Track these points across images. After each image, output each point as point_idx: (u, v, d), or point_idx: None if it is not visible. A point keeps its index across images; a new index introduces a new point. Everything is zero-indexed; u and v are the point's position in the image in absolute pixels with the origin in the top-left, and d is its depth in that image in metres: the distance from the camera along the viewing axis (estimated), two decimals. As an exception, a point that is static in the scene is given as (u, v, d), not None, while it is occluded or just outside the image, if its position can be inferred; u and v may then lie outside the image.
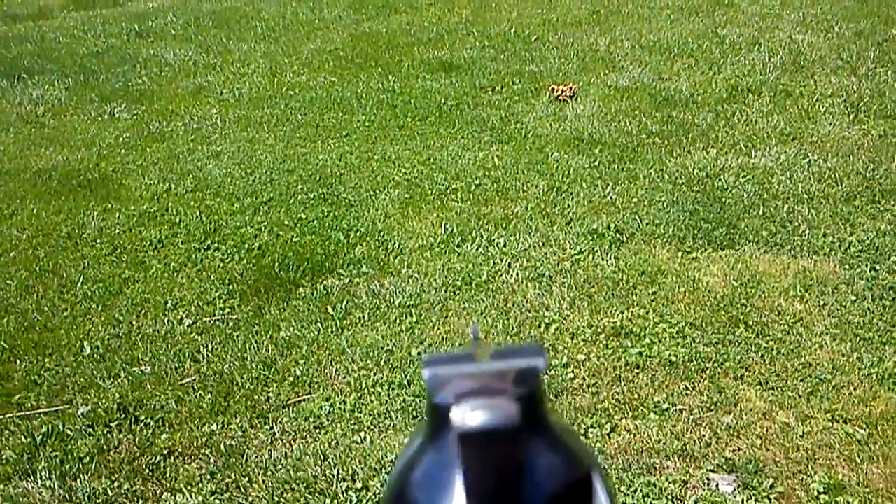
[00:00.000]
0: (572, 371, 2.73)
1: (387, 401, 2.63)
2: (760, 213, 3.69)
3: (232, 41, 6.68)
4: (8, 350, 3.01)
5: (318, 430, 2.52)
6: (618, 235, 3.55)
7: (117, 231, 3.76)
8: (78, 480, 2.38)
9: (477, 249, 3.50)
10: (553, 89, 5.20)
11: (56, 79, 5.98)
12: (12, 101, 5.60)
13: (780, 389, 2.61)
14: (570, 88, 5.20)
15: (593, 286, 3.21)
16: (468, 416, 0.35)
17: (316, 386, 2.72)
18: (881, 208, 3.70)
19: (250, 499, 2.26)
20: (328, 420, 2.56)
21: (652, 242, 3.50)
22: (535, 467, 0.36)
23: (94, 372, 2.84)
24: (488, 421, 0.35)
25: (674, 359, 2.78)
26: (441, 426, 0.37)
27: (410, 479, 0.38)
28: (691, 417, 2.51)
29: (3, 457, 2.51)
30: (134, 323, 3.10)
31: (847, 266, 3.28)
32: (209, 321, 3.09)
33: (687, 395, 2.62)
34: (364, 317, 3.09)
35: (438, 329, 3.00)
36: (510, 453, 0.36)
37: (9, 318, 3.19)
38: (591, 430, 2.48)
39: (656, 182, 4.02)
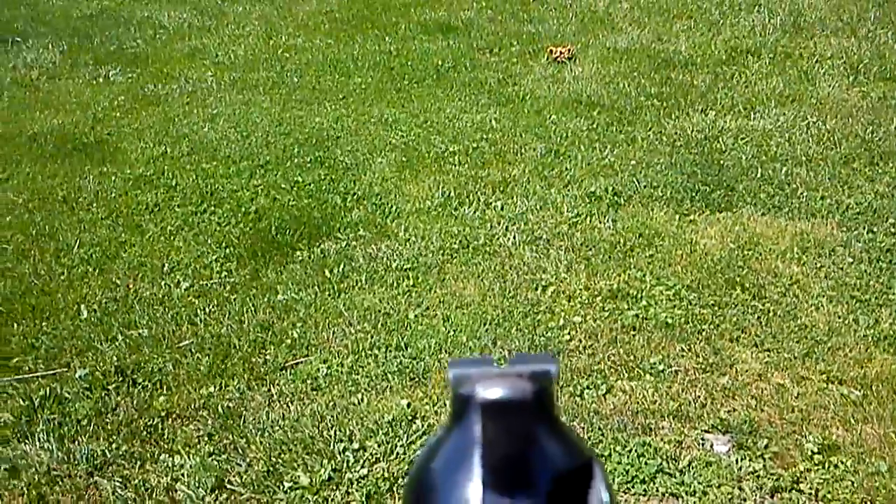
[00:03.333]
0: (569, 333, 2.74)
1: (384, 363, 2.64)
2: (758, 175, 3.68)
3: (227, 3, 6.61)
4: (5, 314, 3.01)
5: (315, 392, 2.53)
6: (615, 198, 3.54)
7: (113, 195, 3.75)
8: (76, 443, 2.40)
9: (474, 213, 3.49)
10: (551, 51, 5.15)
11: (50, 42, 5.92)
12: (6, 65, 5.55)
13: (775, 351, 2.62)
14: (569, 50, 5.15)
15: (590, 249, 3.20)
16: (488, 391, 0.39)
17: (313, 348, 2.73)
18: (879, 171, 3.69)
19: (248, 459, 2.27)
20: (325, 382, 2.57)
21: (650, 205, 3.49)
22: (545, 443, 0.40)
23: (92, 335, 2.84)
24: (506, 393, 0.39)
25: (670, 321, 2.78)
26: (463, 412, 0.40)
27: (433, 457, 0.42)
28: (687, 379, 2.52)
29: (2, 420, 2.51)
30: (131, 286, 3.10)
31: (844, 228, 3.27)
32: (206, 284, 3.09)
33: (683, 356, 2.63)
34: (361, 280, 3.09)
35: (436, 292, 3.00)
36: (524, 424, 0.39)
37: (6, 283, 3.19)
38: (587, 391, 2.49)
39: (654, 144, 4.00)
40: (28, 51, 5.78)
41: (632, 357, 2.63)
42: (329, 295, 3.01)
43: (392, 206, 3.57)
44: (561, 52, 5.11)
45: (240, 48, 5.55)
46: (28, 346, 2.84)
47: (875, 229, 3.25)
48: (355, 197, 3.66)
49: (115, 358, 2.72)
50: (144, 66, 5.32)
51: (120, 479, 2.25)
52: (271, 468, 2.24)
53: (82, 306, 3.01)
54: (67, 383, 2.63)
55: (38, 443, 2.40)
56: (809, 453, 2.20)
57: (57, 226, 3.54)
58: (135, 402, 2.53)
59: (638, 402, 2.43)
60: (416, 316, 2.87)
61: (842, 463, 2.17)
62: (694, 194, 3.55)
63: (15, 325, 2.95)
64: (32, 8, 6.91)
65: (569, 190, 3.63)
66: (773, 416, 2.35)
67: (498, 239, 3.30)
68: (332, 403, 2.47)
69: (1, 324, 2.96)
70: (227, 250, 3.28)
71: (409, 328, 2.80)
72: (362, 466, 2.24)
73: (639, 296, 2.92)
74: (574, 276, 3.05)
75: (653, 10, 5.96)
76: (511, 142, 4.08)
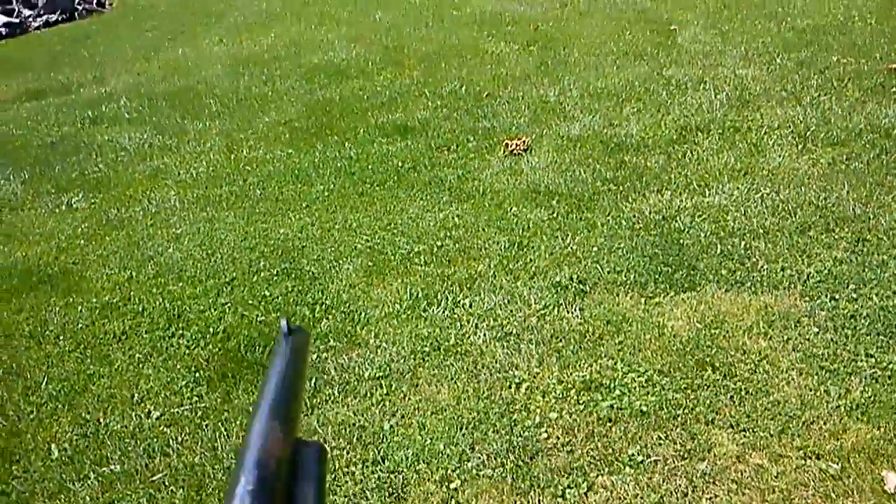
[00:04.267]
0: (545, 430, 2.73)
1: (361, 480, 2.60)
2: (718, 251, 3.75)
3: (187, 120, 6.71)
4: (-27, 460, 2.95)
5: (293, 517, 2.48)
6: (581, 286, 3.58)
7: (80, 325, 3.72)
8: (50, 593, 2.32)
9: (443, 312, 3.51)
10: (507, 144, 5.27)
11: (11, 173, 5.95)
12: (-32, 199, 5.56)
13: (751, 431, 2.62)
14: (524, 141, 5.27)
15: (560, 340, 3.22)
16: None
17: (289, 470, 2.69)
18: (835, 237, 3.77)
19: None
20: (304, 505, 2.52)
21: (615, 291, 3.53)
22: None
23: (63, 476, 2.79)
24: None
25: (645, 408, 2.78)
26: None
27: None
28: (666, 468, 2.51)
29: (-27, 574, 2.44)
30: (101, 420, 3.06)
31: (807, 298, 3.32)
32: (177, 412, 3.05)
33: (660, 445, 2.62)
34: (334, 393, 3.07)
35: (409, 399, 2.98)
36: None
37: (-27, 426, 3.13)
38: (568, 490, 2.47)
39: (614, 229, 4.07)
40: (-10, 183, 5.81)
41: (610, 450, 2.62)
42: (303, 413, 2.98)
43: (361, 313, 3.58)
44: (516, 145, 5.22)
45: (202, 165, 5.61)
46: (-2, 493, 2.78)
47: (837, 296, 3.30)
48: (323, 307, 3.66)
49: (88, 498, 2.66)
50: (107, 191, 5.35)
51: None
52: None
53: (53, 445, 2.95)
54: (39, 530, 2.56)
55: None
56: (795, 536, 2.18)
57: (24, 362, 3.50)
58: (109, 544, 2.47)
59: (620, 498, 2.41)
60: (391, 426, 2.85)
61: (828, 543, 2.15)
62: (657, 276, 3.60)
63: (-17, 470, 2.89)
64: (-8, 138, 6.97)
65: (534, 282, 3.66)
66: (755, 499, 2.34)
67: (468, 337, 3.31)
68: (311, 527, 2.42)
69: (-31, 471, 2.90)
70: (197, 374, 3.26)
71: (384, 440, 2.78)
72: (346, 592, 2.18)
73: (612, 385, 2.92)
74: (546, 369, 3.05)
75: (602, 95, 6.14)
76: (475, 237, 4.13)
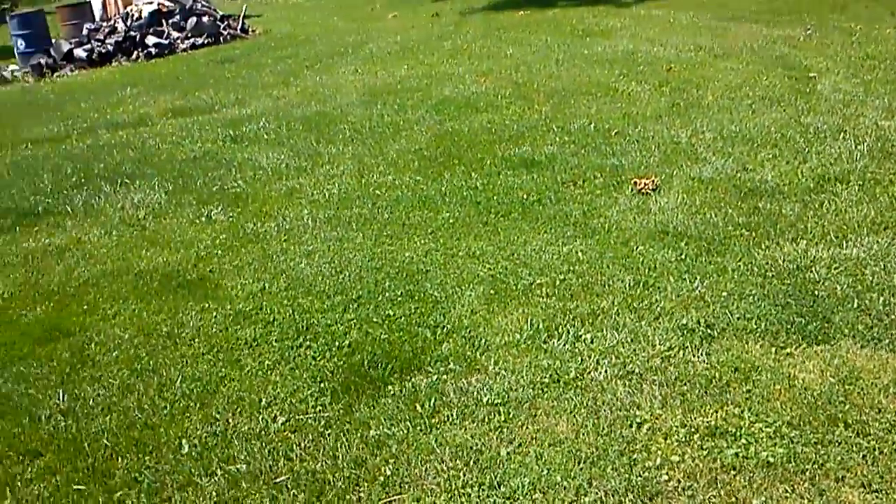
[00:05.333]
0: (667, 473, 2.68)
1: (477, 503, 2.62)
2: (855, 305, 3.60)
3: (322, 144, 6.97)
4: (110, 448, 3.13)
5: (409, 532, 2.52)
6: (708, 331, 3.51)
7: (214, 330, 3.91)
8: (176, 580, 2.43)
9: (564, 346, 3.50)
10: (635, 183, 5.23)
11: (156, 183, 6.32)
12: (115, 206, 5.93)
13: (884, 492, 2.50)
14: (653, 181, 5.22)
15: (685, 384, 3.16)
16: None
17: (406, 486, 2.74)
18: None
19: None
20: (419, 521, 2.56)
21: (744, 338, 3.44)
22: None
23: (192, 470, 2.92)
24: None
25: (772, 460, 2.69)
26: None
27: None
28: (793, 523, 2.42)
29: (105, 554, 2.58)
30: (230, 421, 3.19)
31: (952, 361, 3.15)
32: (302, 419, 3.15)
33: (787, 498, 2.53)
34: (452, 415, 3.10)
35: (527, 428, 2.99)
36: None
37: (111, 416, 3.32)
38: (687, 535, 2.41)
39: (745, 275, 3.97)
40: (135, 192, 6.18)
41: (733, 499, 2.55)
42: (421, 430, 3.03)
43: (481, 339, 3.61)
44: (645, 184, 5.18)
45: (334, 187, 5.81)
46: (131, 480, 2.93)
47: None
48: (444, 330, 3.72)
49: (214, 493, 2.78)
50: (244, 206, 5.61)
51: None
52: None
53: (183, 440, 3.10)
54: (168, 519, 2.69)
55: (138, 579, 2.45)
56: None
57: (160, 361, 3.70)
58: (232, 539, 2.56)
59: (743, 548, 2.34)
60: (508, 453, 2.85)
61: None
62: (789, 326, 3.48)
63: (119, 458, 3.06)
64: (139, 151, 7.42)
65: (660, 322, 3.61)
66: (891, 566, 2.22)
67: (589, 373, 3.29)
68: (426, 544, 2.46)
69: (106, 457, 3.08)
70: (322, 385, 3.36)
71: (501, 466, 2.79)
72: None
73: (738, 433, 2.84)
74: (669, 412, 3.00)
75: (736, 139, 6.03)
76: (598, 273, 4.11)
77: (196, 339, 3.85)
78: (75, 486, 2.92)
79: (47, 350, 3.92)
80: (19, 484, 2.98)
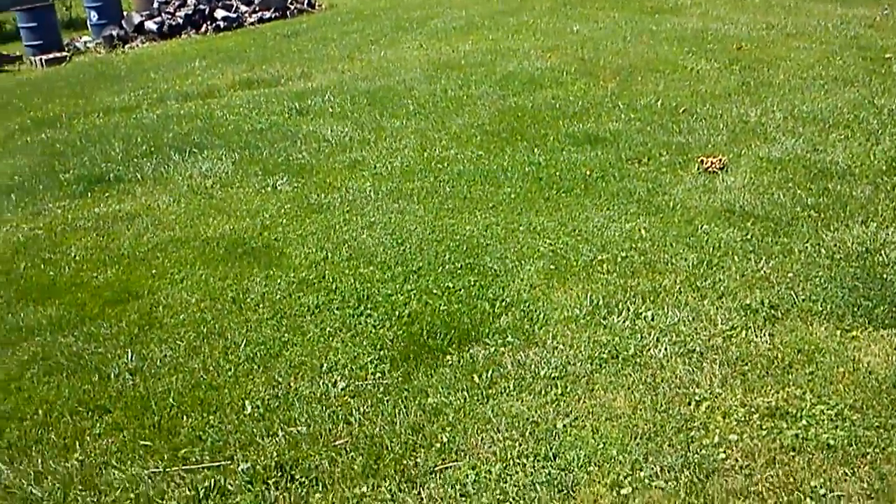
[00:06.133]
0: (724, 451, 2.66)
1: (532, 473, 2.64)
2: (928, 291, 3.50)
3: (385, 118, 7.00)
4: (176, 406, 3.22)
5: (463, 499, 2.56)
6: (772, 311, 3.45)
7: (278, 296, 3.99)
8: (238, 534, 2.51)
9: (623, 322, 3.49)
10: (702, 161, 5.14)
11: (223, 153, 6.44)
12: (183, 174, 6.07)
13: (954, 481, 2.44)
14: (720, 160, 5.13)
15: (746, 364, 3.12)
16: None
17: (462, 453, 2.77)
18: None
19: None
20: (474, 489, 2.59)
21: (809, 320, 3.38)
22: None
23: (254, 430, 3.00)
24: None
25: (832, 442, 2.65)
26: None
27: None
28: (854, 506, 2.38)
29: (170, 507, 2.67)
30: (292, 384, 3.26)
31: None
32: (361, 385, 3.21)
33: (846, 481, 2.49)
34: (509, 386, 3.12)
35: (584, 402, 2.99)
36: None
37: (177, 377, 3.42)
38: (744, 513, 2.39)
39: (812, 257, 3.89)
40: (203, 161, 6.30)
41: (791, 479, 2.52)
42: (477, 400, 3.06)
43: (540, 314, 3.61)
44: (712, 163, 5.09)
45: (396, 160, 5.85)
46: (195, 438, 3.02)
47: None
48: (503, 303, 3.73)
49: (275, 453, 2.85)
50: (309, 177, 5.69)
51: (276, 574, 2.33)
52: (420, 573, 2.26)
53: (246, 402, 3.18)
54: (231, 476, 2.77)
55: (202, 532, 2.53)
56: None
57: (225, 325, 3.79)
58: (292, 497, 2.63)
59: (801, 529, 2.31)
60: (564, 426, 2.86)
61: None
62: (856, 309, 3.41)
63: (184, 417, 3.15)
64: (207, 121, 7.55)
65: (723, 302, 3.56)
66: (955, 554, 2.18)
67: (648, 350, 3.27)
68: (480, 510, 2.49)
69: (172, 416, 3.17)
70: (382, 352, 3.41)
71: (556, 438, 2.80)
72: (510, 577, 2.22)
73: (798, 415, 2.80)
74: (729, 391, 2.97)
75: (807, 119, 5.87)
76: (661, 251, 4.07)
77: (260, 305, 3.93)
78: (142, 442, 3.03)
79: (117, 311, 4.05)
80: (88, 438, 3.09)
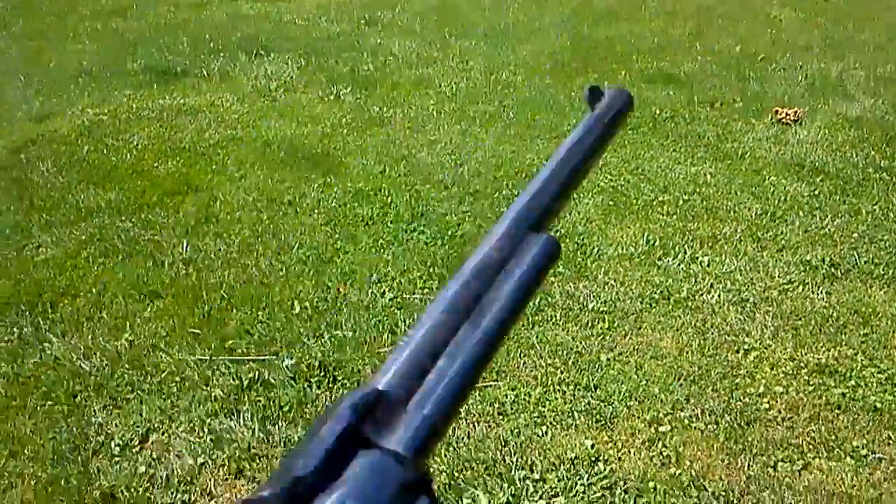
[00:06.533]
0: (768, 402, 2.63)
1: (571, 400, 2.64)
2: None
3: (454, 38, 6.88)
4: (227, 299, 3.28)
5: (501, 417, 2.58)
6: (832, 270, 3.37)
7: (333, 204, 4.00)
8: (277, 426, 2.57)
9: (678, 265, 3.44)
10: (776, 111, 4.98)
11: (289, 58, 6.40)
12: (249, 75, 6.06)
13: None
14: (795, 112, 4.96)
15: (800, 319, 3.06)
16: None
17: (503, 374, 2.78)
18: None
19: (431, 470, 2.34)
20: (512, 409, 2.61)
21: (869, 282, 3.29)
22: None
23: (301, 329, 3.05)
24: None
25: (879, 405, 2.61)
26: None
27: None
28: (891, 468, 2.35)
29: (213, 394, 2.74)
30: (341, 290, 3.30)
31: None
32: (408, 298, 3.22)
33: (889, 444, 2.46)
34: (556, 316, 3.11)
35: (630, 339, 2.97)
36: None
37: (230, 271, 3.48)
38: (781, 463, 2.37)
39: (880, 219, 3.77)
40: (269, 63, 6.28)
41: (833, 437, 2.49)
42: (523, 325, 3.05)
43: (594, 248, 3.58)
44: (787, 114, 4.93)
45: (462, 81, 5.76)
46: (243, 331, 3.08)
47: None
48: (558, 234, 3.69)
49: (320, 353, 2.90)
50: (373, 90, 5.64)
51: (312, 467, 2.38)
52: (452, 482, 2.30)
53: (295, 302, 3.22)
54: (275, 370, 2.83)
55: (242, 420, 2.60)
56: None
57: (280, 226, 3.82)
58: (333, 397, 2.68)
59: (835, 484, 2.29)
60: (608, 359, 2.85)
61: None
62: (921, 277, 3.31)
63: (234, 310, 3.21)
64: (276, 25, 7.51)
65: (782, 255, 3.49)
66: None
67: (701, 295, 3.23)
68: (516, 431, 2.51)
69: (222, 308, 3.23)
70: (432, 269, 3.42)
71: (599, 370, 2.80)
72: (540, 498, 2.25)
73: (848, 374, 2.76)
74: (780, 344, 2.92)
75: (889, 81, 5.64)
76: (724, 198, 3.98)
77: (315, 211, 3.95)
78: (190, 330, 3.09)
79: (175, 202, 4.10)
80: (138, 321, 3.17)
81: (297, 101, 5.49)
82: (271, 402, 2.68)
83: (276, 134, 4.93)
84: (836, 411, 2.60)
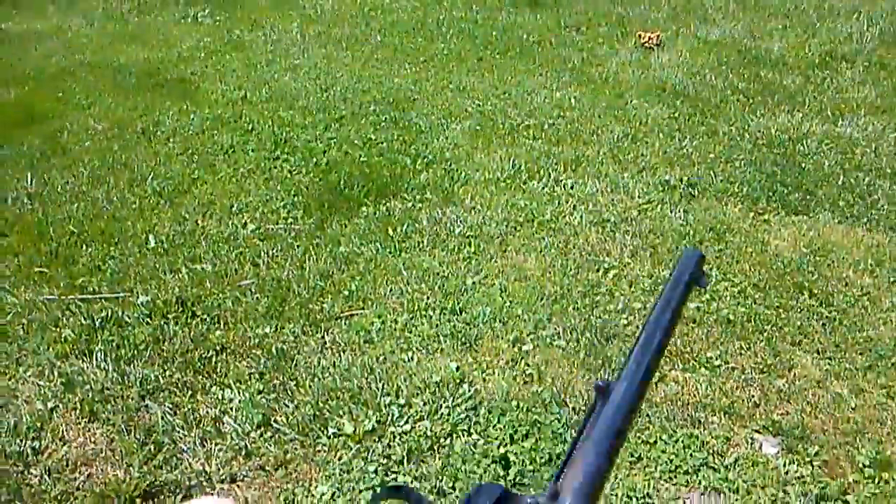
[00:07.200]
0: (627, 318, 2.71)
1: (437, 325, 2.64)
2: (840, 182, 3.57)
3: (319, -43, 6.62)
4: (76, 235, 3.10)
5: (367, 345, 2.55)
6: (690, 189, 3.47)
7: (191, 132, 3.81)
8: (132, 366, 2.46)
9: (543, 188, 3.46)
10: (640, 35, 5.05)
11: (143, -22, 6.01)
12: (100, -3, 5.67)
13: (837, 360, 2.55)
14: (657, 36, 5.05)
15: (658, 237, 3.15)
16: None
17: (370, 302, 2.75)
18: (969, 191, 3.54)
19: (296, 402, 2.30)
20: (378, 336, 2.59)
21: (724, 200, 3.42)
22: None
23: (157, 265, 2.91)
24: None
25: (732, 318, 2.72)
26: None
27: None
28: (742, 377, 2.47)
29: (63, 336, 2.59)
30: (199, 222, 3.16)
31: (925, 246, 3.15)
32: (272, 229, 3.13)
33: (741, 354, 2.57)
34: (423, 241, 3.09)
35: (496, 262, 2.98)
36: None
37: (79, 205, 3.28)
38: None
39: (736, 140, 3.91)
40: (122, -15, 5.89)
41: (689, 349, 2.59)
42: (390, 252, 3.02)
43: (461, 173, 3.56)
44: (650, 38, 5.01)
45: (327, 2, 5.57)
46: (94, 268, 2.92)
47: (958, 250, 3.13)
48: (425, 160, 3.65)
49: (177, 289, 2.78)
50: (233, 11, 5.38)
51: (170, 406, 2.30)
52: (318, 412, 2.27)
53: (150, 236, 3.07)
54: (129, 308, 2.70)
55: (95, 361, 2.47)
56: (861, 466, 2.13)
57: (133, 156, 3.62)
58: (192, 333, 2.58)
59: (690, 394, 2.39)
60: (473, 283, 2.86)
61: (893, 479, 2.10)
62: (771, 194, 3.46)
63: (84, 246, 3.04)
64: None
65: (642, 176, 3.57)
66: (827, 425, 2.29)
67: (564, 217, 3.27)
68: (382, 357, 2.49)
69: (71, 244, 3.05)
70: (296, 198, 3.32)
71: (465, 294, 2.80)
72: (406, 422, 2.25)
73: (703, 289, 2.86)
74: (638, 262, 3.00)
75: (748, 5, 5.80)
76: (588, 122, 4.03)
77: (171, 140, 3.76)
78: (38, 269, 2.91)
79: (19, 134, 3.82)
80: (-18, 262, 2.96)
81: (152, 25, 5.18)
82: (126, 342, 2.55)
83: (128, 59, 4.64)
84: (692, 325, 2.70)
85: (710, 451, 2.16)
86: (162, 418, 2.26)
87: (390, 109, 4.09)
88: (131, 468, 2.11)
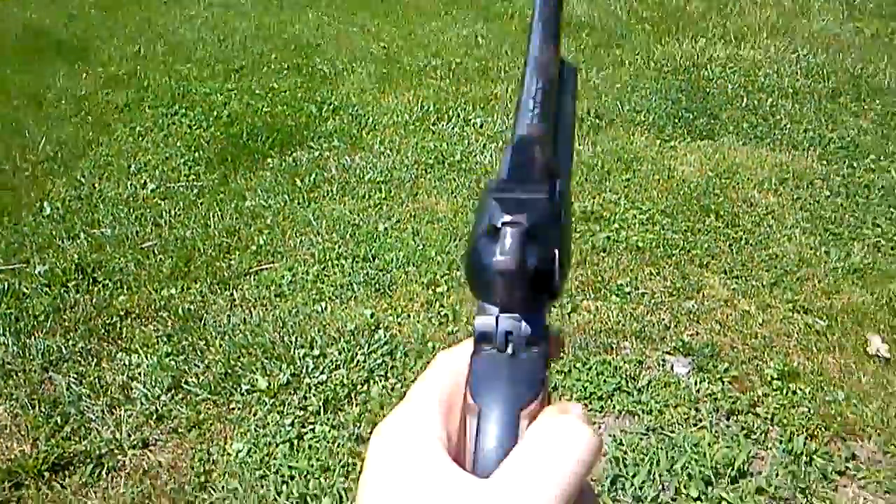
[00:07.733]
0: (539, 251, 2.71)
1: (350, 273, 2.60)
2: (743, 105, 3.62)
3: None
4: (-34, 207, 2.94)
5: (278, 299, 2.50)
6: (597, 121, 3.48)
7: (84, 93, 3.64)
8: (33, 338, 2.36)
9: (452, 129, 3.43)
10: (543, -31, 5.00)
11: (25, -67, 5.68)
12: (-22, -45, 5.33)
13: (744, 279, 2.60)
14: (561, -31, 5.00)
15: (567, 170, 3.15)
16: None
17: (279, 256, 2.69)
18: (865, 107, 3.63)
19: (206, 361, 2.25)
20: (289, 289, 2.54)
21: (631, 129, 3.43)
22: None
23: (53, 232, 2.79)
24: None
25: (641, 244, 2.75)
26: None
27: None
28: (652, 301, 2.50)
29: (-40, 312, 2.47)
30: (96, 185, 3.03)
31: (825, 162, 3.23)
32: (173, 187, 3.02)
33: (650, 279, 2.61)
34: (332, 190, 3.03)
35: (407, 206, 2.95)
36: None
37: (-32, 176, 3.11)
38: (552, 307, 2.46)
39: (642, 69, 3.92)
40: (2, -58, 5.55)
41: (599, 278, 2.61)
42: (298, 204, 2.96)
43: (369, 118, 3.49)
44: (553, -29, 4.96)
45: (222, -51, 5.35)
46: (-12, 241, 2.78)
47: (856, 164, 3.22)
48: (331, 107, 3.57)
49: (76, 256, 2.67)
50: (122, -37, 5.12)
51: (75, 376, 2.22)
52: (230, 371, 2.22)
53: (45, 203, 2.94)
54: (26, 279, 2.58)
55: (-6, 336, 2.37)
56: (769, 379, 2.20)
57: (23, 121, 3.45)
58: (94, 300, 2.49)
59: (602, 322, 2.41)
60: (385, 228, 2.82)
61: (800, 390, 2.17)
62: (677, 121, 3.49)
63: (-25, 219, 2.89)
64: None
65: (550, 110, 3.55)
66: (736, 342, 2.35)
67: (475, 156, 3.24)
68: (294, 310, 2.44)
69: (-39, 217, 2.90)
70: (197, 154, 3.21)
71: (377, 240, 2.76)
72: (321, 372, 2.22)
73: (612, 218, 2.88)
74: (548, 196, 3.00)
75: (651, -68, 5.79)
76: (496, 59, 3.99)
77: (63, 102, 3.59)
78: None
79: None
80: None
81: (35, -18, 4.90)
82: (24, 313, 2.45)
83: (15, 21, 4.40)
84: (602, 254, 2.72)
85: (624, 376, 2.19)
86: (67, 389, 2.18)
87: (293, 56, 3.97)
88: (38, 442, 2.04)
